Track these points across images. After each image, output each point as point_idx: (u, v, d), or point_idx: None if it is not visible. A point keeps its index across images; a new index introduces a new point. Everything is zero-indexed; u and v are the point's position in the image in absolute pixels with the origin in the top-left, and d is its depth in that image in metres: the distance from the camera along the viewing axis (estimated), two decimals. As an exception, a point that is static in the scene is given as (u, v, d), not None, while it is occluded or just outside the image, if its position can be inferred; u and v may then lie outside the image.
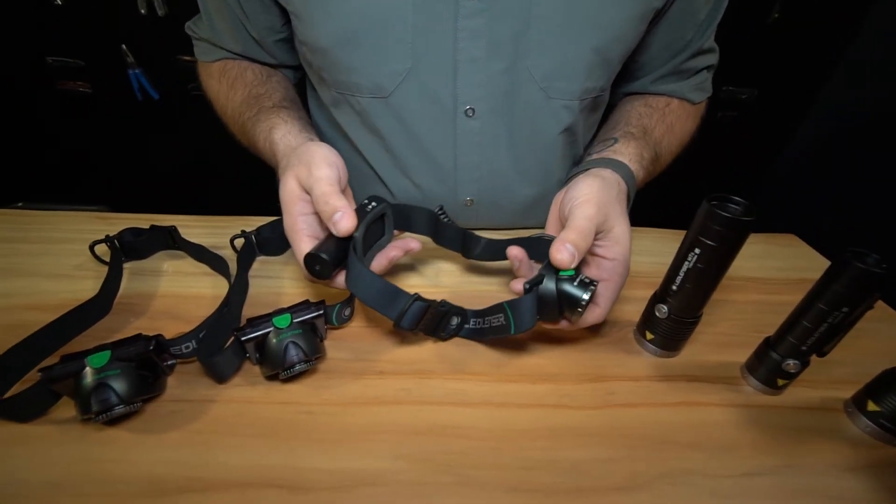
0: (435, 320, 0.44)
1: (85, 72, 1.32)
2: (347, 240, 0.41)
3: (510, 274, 0.51)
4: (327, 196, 0.39)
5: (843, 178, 1.40)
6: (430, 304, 0.41)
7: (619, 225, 0.43)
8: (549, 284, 0.39)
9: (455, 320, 0.45)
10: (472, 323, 0.46)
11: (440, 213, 0.51)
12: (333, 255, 0.40)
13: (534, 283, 0.40)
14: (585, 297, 0.38)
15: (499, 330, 0.42)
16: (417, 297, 0.41)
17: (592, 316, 0.42)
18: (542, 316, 0.40)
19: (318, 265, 0.40)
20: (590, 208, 0.41)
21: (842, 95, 1.42)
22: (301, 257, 0.41)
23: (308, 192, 0.41)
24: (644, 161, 0.53)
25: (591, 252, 0.44)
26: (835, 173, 1.43)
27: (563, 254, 0.38)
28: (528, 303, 0.40)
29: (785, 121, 1.52)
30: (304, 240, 0.42)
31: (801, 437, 0.40)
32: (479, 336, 0.46)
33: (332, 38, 0.51)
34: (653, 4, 0.52)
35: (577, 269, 0.40)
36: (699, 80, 0.63)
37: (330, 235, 0.41)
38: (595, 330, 0.49)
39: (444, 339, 0.46)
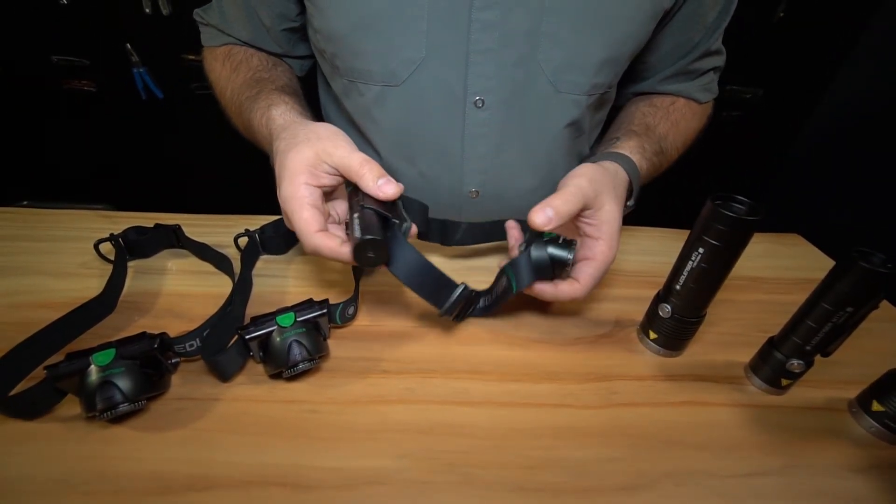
0: (467, 305, 0.45)
1: (89, 71, 1.33)
2: (381, 223, 0.39)
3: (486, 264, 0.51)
4: (369, 163, 0.40)
5: (847, 178, 1.39)
6: (472, 292, 0.43)
7: (609, 204, 0.44)
8: (535, 248, 0.42)
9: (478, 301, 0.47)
10: (482, 302, 0.47)
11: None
12: (383, 238, 0.38)
13: (527, 244, 0.43)
14: (570, 256, 0.42)
15: (505, 294, 0.45)
16: (465, 287, 0.42)
17: (571, 290, 0.44)
18: (538, 275, 0.43)
19: (372, 251, 0.38)
20: (581, 180, 0.43)
21: (846, 95, 1.41)
22: (301, 224, 0.39)
23: (329, 165, 0.40)
24: (647, 153, 0.54)
25: (579, 229, 0.45)
26: (839, 173, 1.43)
27: (537, 215, 0.40)
28: (523, 260, 0.43)
29: (789, 120, 1.51)
30: (305, 207, 0.39)
31: (805, 438, 0.40)
32: (492, 308, 0.47)
33: (350, 24, 0.52)
34: (662, 5, 0.53)
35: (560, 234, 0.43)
36: (705, 80, 0.64)
37: (362, 216, 0.39)
38: (598, 329, 0.49)
39: (460, 320, 0.48)
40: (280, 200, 0.41)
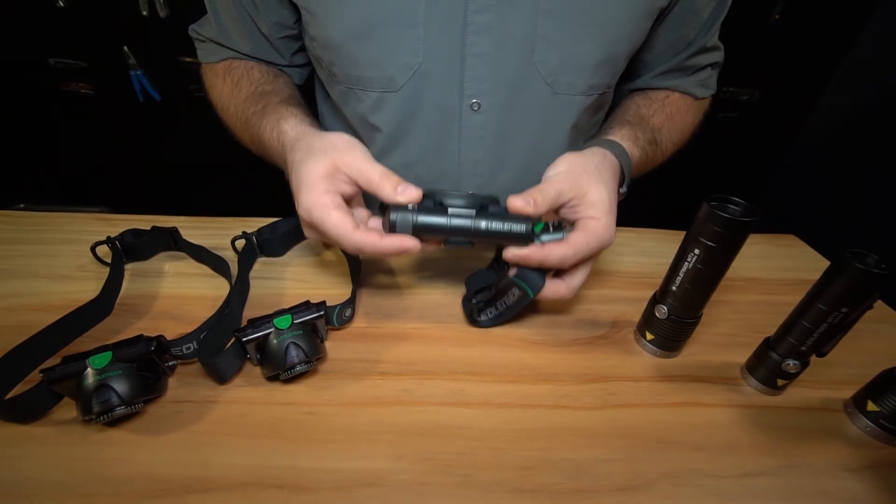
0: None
1: (87, 73, 1.33)
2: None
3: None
4: (387, 175, 0.40)
5: (843, 179, 1.40)
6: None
7: (594, 188, 0.43)
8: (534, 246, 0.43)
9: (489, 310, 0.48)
10: (490, 313, 0.47)
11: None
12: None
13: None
14: (562, 234, 0.42)
15: (519, 302, 0.45)
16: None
17: (558, 292, 0.45)
18: (546, 271, 0.44)
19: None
20: (558, 175, 0.44)
21: (842, 97, 1.42)
22: (335, 228, 0.39)
23: (347, 175, 0.41)
24: (639, 141, 0.54)
25: (571, 220, 0.45)
26: (835, 174, 1.43)
27: (516, 199, 0.41)
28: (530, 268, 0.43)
29: (786, 122, 1.52)
30: (332, 211, 0.40)
31: (801, 438, 0.40)
32: (504, 317, 0.47)
33: (347, 32, 0.52)
34: (657, 3, 0.53)
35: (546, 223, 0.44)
36: (703, 76, 0.63)
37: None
38: (595, 330, 0.49)
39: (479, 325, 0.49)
40: (302, 211, 0.41)
